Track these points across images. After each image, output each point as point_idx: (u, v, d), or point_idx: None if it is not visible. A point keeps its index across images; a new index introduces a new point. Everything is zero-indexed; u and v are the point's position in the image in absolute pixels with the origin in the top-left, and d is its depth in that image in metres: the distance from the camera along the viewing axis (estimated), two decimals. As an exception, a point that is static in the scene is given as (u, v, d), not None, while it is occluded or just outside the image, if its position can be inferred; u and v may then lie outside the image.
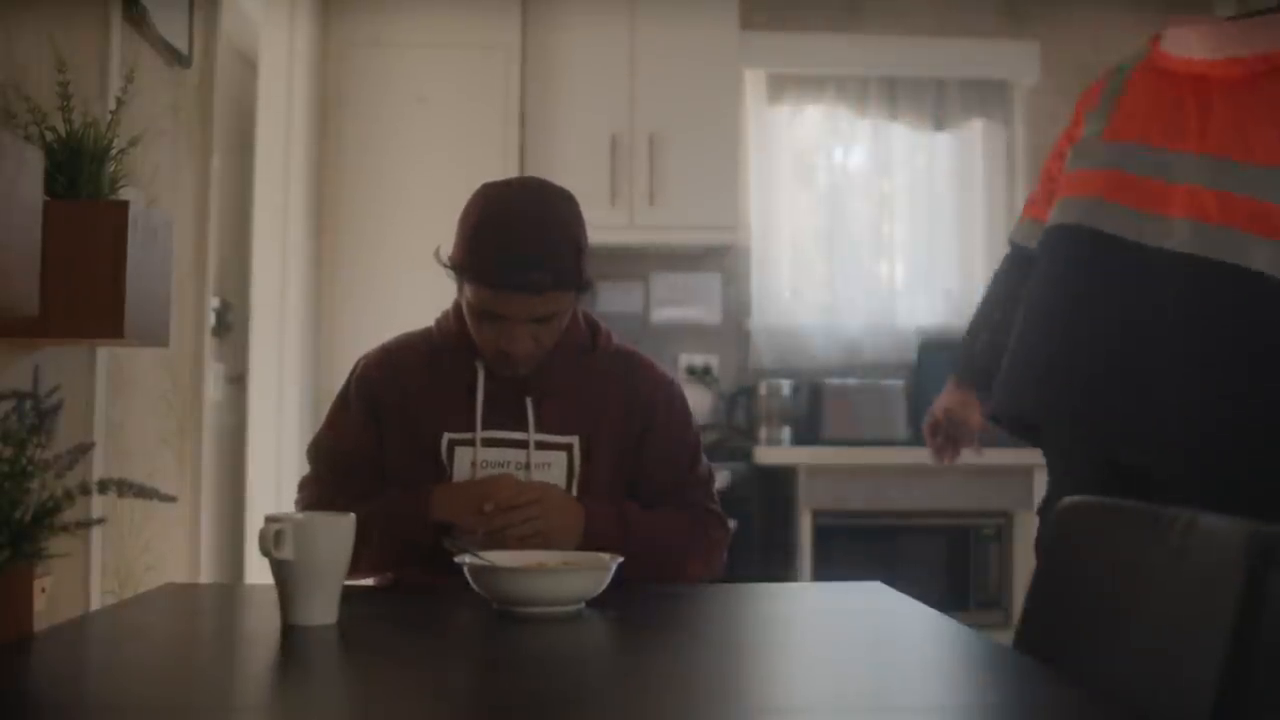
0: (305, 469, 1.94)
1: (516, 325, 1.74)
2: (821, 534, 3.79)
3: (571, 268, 1.74)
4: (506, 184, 1.81)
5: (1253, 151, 1.89)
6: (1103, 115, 2.06)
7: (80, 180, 1.85)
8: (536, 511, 1.73)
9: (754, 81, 4.37)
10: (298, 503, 1.89)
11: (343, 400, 1.90)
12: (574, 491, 1.81)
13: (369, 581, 1.92)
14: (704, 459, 1.94)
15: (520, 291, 1.71)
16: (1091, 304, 2.00)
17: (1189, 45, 2.01)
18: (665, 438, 1.88)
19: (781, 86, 4.41)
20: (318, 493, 1.86)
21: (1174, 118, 1.97)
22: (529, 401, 1.82)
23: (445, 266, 1.77)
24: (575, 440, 1.83)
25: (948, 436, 2.41)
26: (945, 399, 2.41)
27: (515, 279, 1.70)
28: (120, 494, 1.45)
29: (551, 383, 1.83)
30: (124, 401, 2.33)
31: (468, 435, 1.81)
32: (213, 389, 2.98)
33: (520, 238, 1.71)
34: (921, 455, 3.92)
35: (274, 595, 1.45)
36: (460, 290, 1.80)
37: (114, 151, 1.94)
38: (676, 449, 1.89)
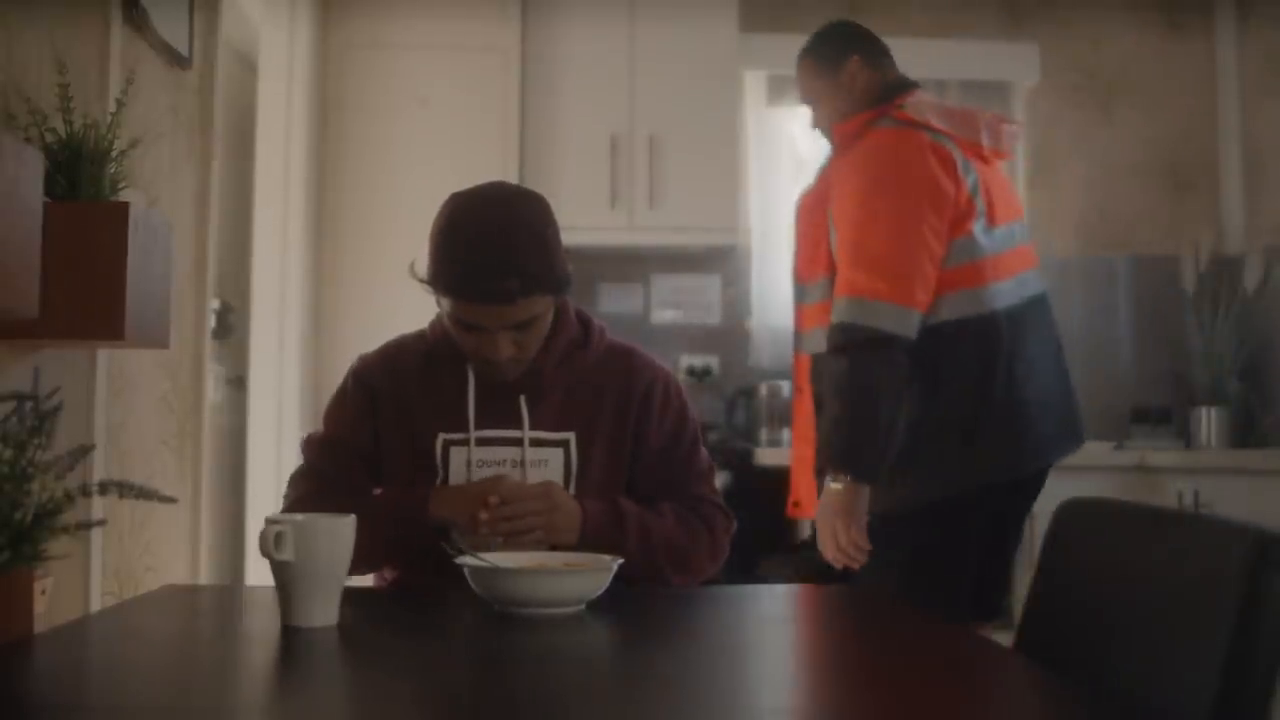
0: (304, 470, 1.94)
1: (495, 334, 1.73)
2: (822, 535, 3.78)
3: (541, 272, 1.71)
4: (471, 193, 1.77)
5: (1014, 211, 2.57)
6: (977, 198, 2.49)
7: (80, 182, 1.85)
8: (540, 506, 1.72)
9: (753, 83, 4.37)
10: (287, 496, 1.88)
11: (340, 396, 1.90)
12: (571, 488, 1.81)
13: (369, 582, 1.92)
14: (703, 450, 1.93)
15: (491, 302, 1.70)
16: (1047, 350, 2.54)
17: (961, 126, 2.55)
18: (661, 431, 1.87)
19: (781, 88, 4.41)
20: (310, 486, 1.85)
21: (999, 195, 2.53)
22: (522, 400, 1.82)
23: (421, 281, 1.76)
24: (571, 437, 1.82)
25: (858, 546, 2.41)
26: (856, 522, 2.36)
27: (484, 290, 1.69)
28: (120, 495, 1.46)
29: (545, 380, 1.83)
30: (124, 403, 2.33)
31: (462, 435, 1.81)
32: (213, 391, 2.98)
33: (485, 248, 1.69)
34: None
35: (274, 597, 1.45)
36: (438, 301, 1.79)
37: (114, 153, 1.94)
38: (673, 442, 1.89)
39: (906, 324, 2.35)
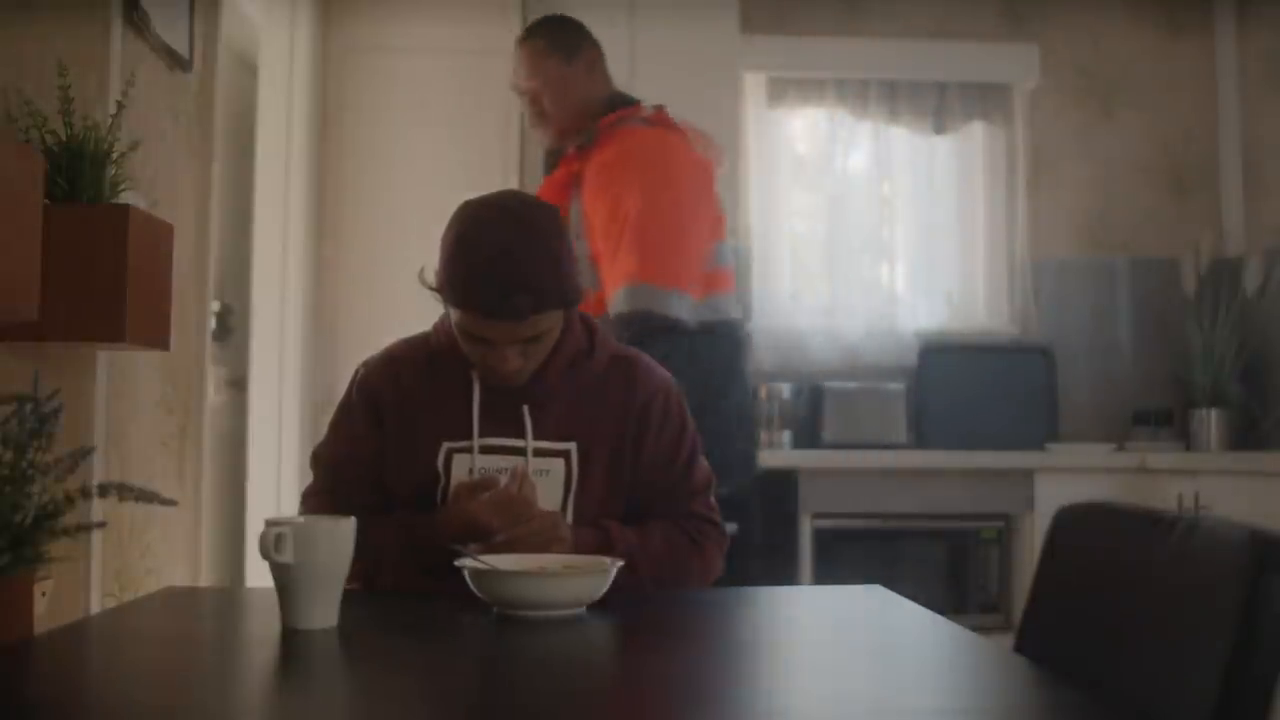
0: (305, 472, 1.94)
1: (504, 346, 1.73)
2: (821, 537, 3.78)
3: (552, 287, 1.70)
4: (483, 204, 1.75)
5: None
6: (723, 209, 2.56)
7: (81, 184, 1.85)
8: (540, 540, 1.71)
9: (754, 84, 4.38)
10: (302, 514, 1.88)
11: (346, 407, 1.90)
12: (571, 498, 1.81)
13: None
14: (701, 463, 1.92)
15: (501, 319, 1.69)
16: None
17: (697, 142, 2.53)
18: (659, 443, 1.86)
19: (782, 89, 4.41)
20: (322, 503, 1.85)
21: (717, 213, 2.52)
22: (525, 409, 1.81)
23: (430, 289, 1.75)
24: (572, 447, 1.82)
25: None
26: None
27: (495, 306, 1.68)
28: (120, 498, 1.45)
29: (548, 389, 1.82)
30: (124, 405, 2.33)
31: (466, 443, 1.81)
32: (213, 392, 2.98)
33: (498, 263, 1.67)
34: (921, 458, 3.92)
35: (274, 599, 1.45)
36: (446, 310, 1.79)
37: (115, 155, 1.94)
38: (671, 455, 1.87)
39: (690, 313, 2.32)
